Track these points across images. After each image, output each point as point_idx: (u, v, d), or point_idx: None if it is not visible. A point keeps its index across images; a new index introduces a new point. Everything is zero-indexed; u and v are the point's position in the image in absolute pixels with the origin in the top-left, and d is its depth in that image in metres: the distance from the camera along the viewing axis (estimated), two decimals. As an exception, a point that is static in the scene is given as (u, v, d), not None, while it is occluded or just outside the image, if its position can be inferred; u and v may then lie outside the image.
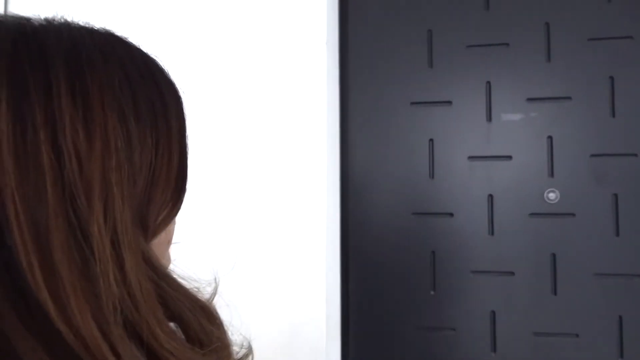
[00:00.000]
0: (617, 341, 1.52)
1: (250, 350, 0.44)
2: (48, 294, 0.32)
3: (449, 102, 1.64)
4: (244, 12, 1.61)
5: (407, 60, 1.67)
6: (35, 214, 0.32)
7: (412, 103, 1.66)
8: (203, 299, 0.41)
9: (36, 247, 0.32)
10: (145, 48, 0.44)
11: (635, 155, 1.54)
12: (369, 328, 1.64)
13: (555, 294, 1.55)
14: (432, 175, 1.63)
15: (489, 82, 1.62)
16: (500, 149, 1.60)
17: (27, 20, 0.38)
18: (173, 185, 0.41)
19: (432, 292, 1.61)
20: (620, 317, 1.52)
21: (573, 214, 1.55)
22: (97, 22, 0.43)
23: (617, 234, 1.53)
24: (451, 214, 1.61)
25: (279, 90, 1.59)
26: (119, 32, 0.43)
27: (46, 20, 0.39)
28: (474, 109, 1.62)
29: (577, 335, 1.53)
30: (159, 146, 0.39)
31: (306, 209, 1.62)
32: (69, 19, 0.40)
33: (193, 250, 1.23)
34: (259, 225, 1.60)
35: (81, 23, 0.40)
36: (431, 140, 1.64)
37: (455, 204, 1.61)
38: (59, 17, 0.40)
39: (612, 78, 1.56)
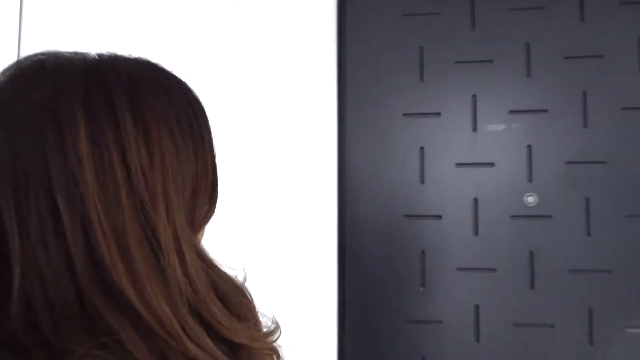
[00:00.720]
0: (587, 331, 1.68)
1: (278, 325, 0.52)
2: (129, 283, 0.39)
3: (438, 114, 1.78)
4: (253, 31, 1.74)
5: (400, 75, 1.81)
6: (114, 220, 0.40)
7: (405, 114, 1.80)
8: (240, 282, 0.50)
9: (117, 246, 0.39)
10: (177, 72, 0.52)
11: (605, 162, 1.70)
12: (363, 322, 1.78)
13: (533, 288, 1.71)
14: (422, 180, 1.78)
15: (474, 96, 1.77)
16: (485, 156, 1.75)
17: (84, 56, 0.46)
18: (210, 189, 0.50)
19: (421, 288, 1.76)
20: (591, 309, 1.68)
21: (550, 216, 1.71)
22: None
23: (589, 234, 1.69)
24: (439, 216, 1.76)
25: (282, 104, 1.72)
26: (153, 57, 0.51)
27: (98, 55, 0.47)
28: (460, 120, 1.77)
29: (552, 326, 1.69)
30: (198, 158, 0.47)
31: (306, 212, 1.76)
32: (117, 53, 0.48)
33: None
34: (261, 224, 1.73)
35: (126, 55, 0.48)
36: (422, 148, 1.79)
37: (443, 206, 1.76)
38: (107, 52, 0.47)
39: (584, 93, 1.72)
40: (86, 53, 0.47)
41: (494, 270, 1.73)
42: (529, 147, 1.74)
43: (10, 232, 0.39)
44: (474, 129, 1.77)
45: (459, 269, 1.74)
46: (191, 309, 0.42)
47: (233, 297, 0.47)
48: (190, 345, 0.40)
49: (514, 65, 1.76)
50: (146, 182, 0.41)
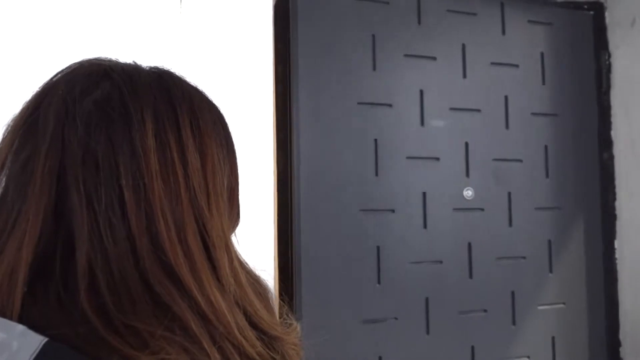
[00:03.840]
0: (511, 312, 1.85)
1: (296, 324, 0.53)
2: (187, 269, 0.42)
3: (390, 105, 1.75)
4: (196, 15, 1.43)
5: (353, 62, 1.71)
6: (174, 210, 0.43)
7: (359, 103, 1.71)
8: (265, 282, 0.52)
9: (176, 235, 0.42)
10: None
11: (521, 160, 1.90)
12: (318, 324, 1.62)
13: (471, 277, 1.81)
14: (376, 172, 1.71)
15: (421, 90, 1.79)
16: (431, 151, 1.78)
17: (142, 68, 0.49)
18: (238, 197, 0.53)
19: (377, 285, 1.69)
20: (513, 292, 1.86)
21: (482, 209, 1.84)
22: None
23: (510, 225, 1.87)
24: (393, 210, 1.73)
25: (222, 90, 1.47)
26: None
27: (151, 67, 0.50)
28: (410, 112, 1.77)
29: (485, 311, 1.82)
30: (232, 169, 0.52)
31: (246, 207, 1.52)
32: (166, 68, 0.51)
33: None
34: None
35: (175, 72, 0.51)
36: (375, 140, 1.72)
37: (396, 200, 1.73)
38: (159, 66, 0.51)
39: (506, 97, 1.90)
40: (144, 65, 0.50)
41: (440, 262, 1.77)
42: (466, 144, 1.83)
43: (78, 212, 0.40)
44: (422, 123, 1.78)
45: (412, 262, 1.73)
46: (236, 302, 0.45)
47: (262, 295, 0.50)
48: (237, 334, 0.42)
49: (453, 64, 1.83)
50: (199, 181, 0.45)
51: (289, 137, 1.65)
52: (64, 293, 0.40)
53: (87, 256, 0.40)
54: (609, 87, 2.07)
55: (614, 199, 2.04)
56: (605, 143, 2.05)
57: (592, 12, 2.07)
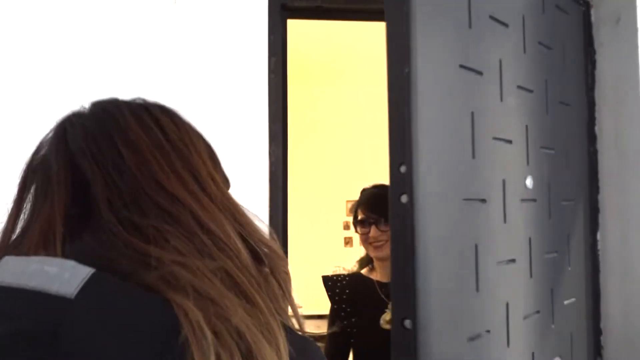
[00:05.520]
0: (551, 310, 1.73)
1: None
2: (176, 183, 0.56)
3: (481, 73, 1.45)
4: None
5: (451, 16, 1.36)
6: (162, 154, 0.58)
7: (461, 66, 1.37)
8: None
9: (167, 166, 0.57)
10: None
11: (553, 149, 1.80)
12: (432, 345, 1.23)
13: (531, 277, 1.62)
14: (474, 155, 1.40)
15: (500, 60, 1.53)
16: (507, 132, 1.54)
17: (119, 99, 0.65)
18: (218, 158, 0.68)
19: (476, 292, 1.38)
20: (552, 290, 1.74)
21: (535, 200, 1.67)
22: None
23: (550, 217, 1.75)
24: (484, 200, 1.43)
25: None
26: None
27: (142, 100, 0.65)
28: (494, 84, 1.49)
29: (538, 312, 1.65)
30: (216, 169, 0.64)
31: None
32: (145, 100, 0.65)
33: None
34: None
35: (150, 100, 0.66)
36: (472, 113, 1.40)
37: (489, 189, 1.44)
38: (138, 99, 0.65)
39: (546, 81, 1.77)
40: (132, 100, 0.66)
41: (514, 261, 1.54)
42: (527, 127, 1.64)
43: (89, 170, 0.56)
44: (501, 98, 1.53)
45: (499, 262, 1.46)
46: (226, 209, 0.57)
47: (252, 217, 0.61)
48: (227, 229, 0.55)
49: (519, 37, 1.62)
50: (177, 143, 0.60)
51: (282, 128, 1.28)
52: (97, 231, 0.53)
53: (101, 189, 0.54)
54: (593, 83, 2.12)
55: (597, 192, 2.10)
56: (591, 137, 2.09)
57: (583, 9, 2.09)
